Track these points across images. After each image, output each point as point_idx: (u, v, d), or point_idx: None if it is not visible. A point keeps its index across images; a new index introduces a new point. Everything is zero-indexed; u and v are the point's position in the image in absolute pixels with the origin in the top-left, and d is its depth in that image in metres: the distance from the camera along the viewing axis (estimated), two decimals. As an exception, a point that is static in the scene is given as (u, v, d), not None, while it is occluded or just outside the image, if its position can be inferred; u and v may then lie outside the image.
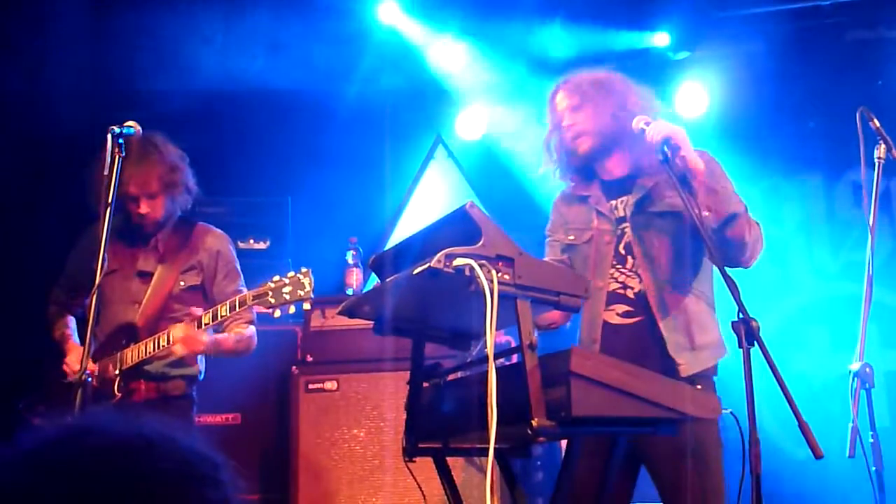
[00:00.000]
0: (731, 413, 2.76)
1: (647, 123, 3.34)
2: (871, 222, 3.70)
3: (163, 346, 4.05)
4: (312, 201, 6.44)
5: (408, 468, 2.95)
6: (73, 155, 4.44)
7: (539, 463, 5.21)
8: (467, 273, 2.41)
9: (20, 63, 5.88)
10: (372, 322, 2.99)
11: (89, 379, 3.45)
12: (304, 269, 3.95)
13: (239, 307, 3.98)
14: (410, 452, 2.96)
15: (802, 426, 2.71)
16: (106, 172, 3.55)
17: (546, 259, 3.75)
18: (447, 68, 6.74)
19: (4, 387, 4.55)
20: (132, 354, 4.12)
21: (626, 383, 2.52)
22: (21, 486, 1.01)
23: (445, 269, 2.41)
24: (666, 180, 3.43)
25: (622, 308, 3.51)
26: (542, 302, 2.59)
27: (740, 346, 2.81)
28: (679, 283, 3.45)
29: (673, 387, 2.66)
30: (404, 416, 3.02)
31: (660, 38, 6.65)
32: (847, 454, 3.47)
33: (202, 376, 4.37)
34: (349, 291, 5.58)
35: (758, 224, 3.43)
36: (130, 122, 3.67)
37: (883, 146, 3.76)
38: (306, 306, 3.98)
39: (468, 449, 3.05)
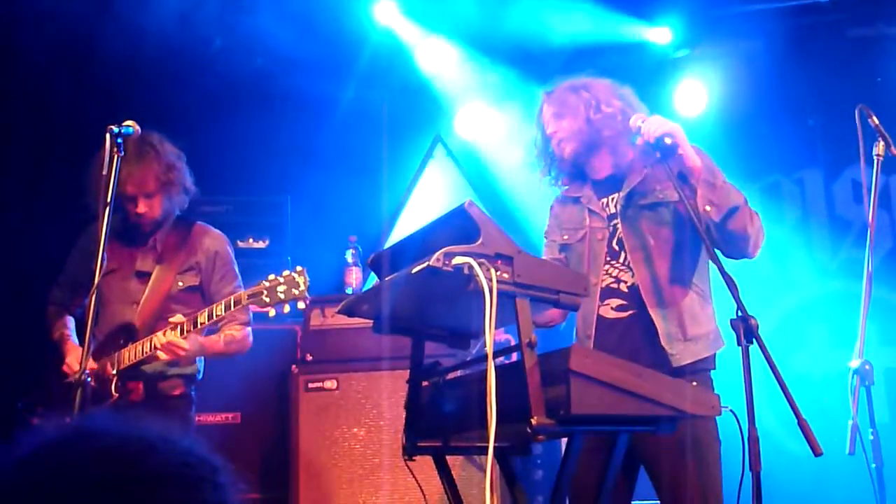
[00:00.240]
0: (731, 411, 2.76)
1: (644, 121, 3.37)
2: (870, 219, 3.70)
3: (146, 351, 4.06)
4: (311, 200, 6.44)
5: (408, 467, 2.95)
6: (72, 154, 4.44)
7: (539, 461, 5.21)
8: (466, 272, 2.41)
9: (19, 61, 5.88)
10: (371, 321, 2.99)
11: (89, 379, 3.44)
12: (298, 268, 3.95)
13: (234, 306, 3.98)
14: (410, 451, 2.96)
15: (802, 424, 2.72)
16: (104, 172, 3.54)
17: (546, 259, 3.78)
18: (444, 68, 6.74)
19: (4, 387, 4.55)
20: (130, 354, 4.11)
21: (625, 381, 2.52)
22: (21, 489, 1.01)
23: (444, 268, 2.41)
24: (653, 174, 3.53)
25: (616, 302, 3.57)
26: (541, 300, 2.59)
27: (739, 343, 2.82)
28: (671, 274, 3.50)
29: (672, 384, 2.66)
30: (404, 415, 3.02)
31: (659, 36, 6.65)
32: (847, 451, 3.48)
33: (200, 376, 4.37)
34: (349, 290, 5.58)
35: (757, 214, 3.46)
36: (129, 122, 3.66)
37: (882, 143, 3.76)
38: (301, 305, 3.97)
39: (468, 447, 3.06)
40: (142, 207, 4.20)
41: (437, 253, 2.41)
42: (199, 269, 4.35)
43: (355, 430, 4.97)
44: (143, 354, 4.08)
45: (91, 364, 3.96)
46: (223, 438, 5.30)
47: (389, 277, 2.75)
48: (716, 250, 3.18)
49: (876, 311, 3.93)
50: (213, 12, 6.34)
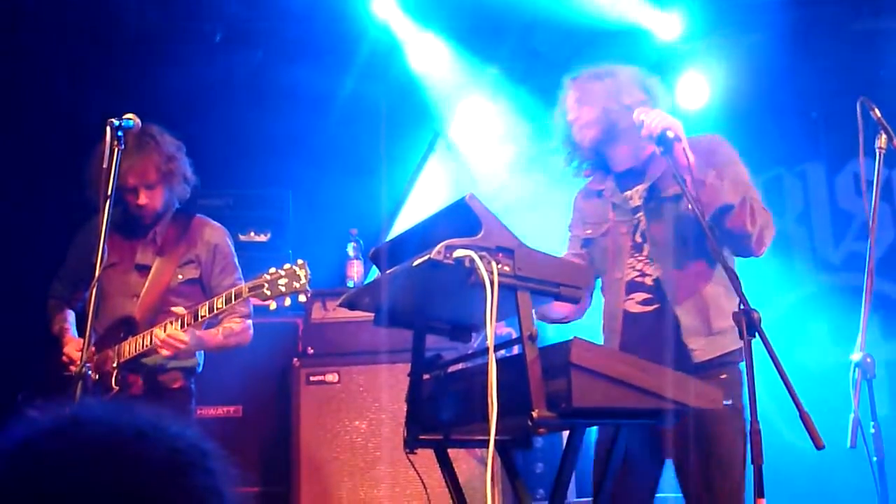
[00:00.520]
0: (732, 404, 2.76)
1: (646, 115, 3.35)
2: (871, 213, 3.69)
3: (146, 345, 4.06)
4: (313, 194, 6.44)
5: (409, 460, 2.95)
6: (73, 148, 4.44)
7: (540, 455, 5.21)
8: (467, 265, 2.41)
9: (19, 54, 5.87)
10: (372, 314, 2.99)
11: (89, 372, 3.44)
12: (300, 261, 3.94)
13: (235, 299, 3.98)
14: (411, 444, 2.96)
15: (804, 417, 2.71)
16: (105, 165, 3.54)
17: (566, 254, 3.78)
18: (443, 62, 6.73)
19: (4, 380, 4.55)
20: (130, 347, 4.12)
21: (626, 375, 2.52)
22: (11, 477, 1.01)
23: (445, 261, 2.41)
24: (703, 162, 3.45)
25: (641, 296, 3.53)
26: (542, 293, 2.59)
27: (741, 336, 2.81)
28: (695, 267, 3.44)
29: (674, 377, 2.66)
30: (405, 409, 3.02)
31: (667, 28, 6.59)
32: (848, 444, 3.47)
33: (200, 368, 4.37)
34: (350, 283, 5.57)
35: (766, 211, 3.40)
36: (129, 115, 3.66)
37: (884, 136, 3.74)
38: (302, 298, 3.97)
39: (469, 441, 3.06)
40: (143, 199, 4.20)
41: (438, 246, 2.41)
42: (198, 262, 4.35)
43: (357, 423, 4.97)
44: (143, 348, 4.08)
45: (91, 357, 3.96)
46: (224, 432, 5.29)
47: (390, 270, 2.75)
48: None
49: (878, 304, 3.93)
50: (214, 5, 6.34)
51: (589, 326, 3.69)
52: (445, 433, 3.00)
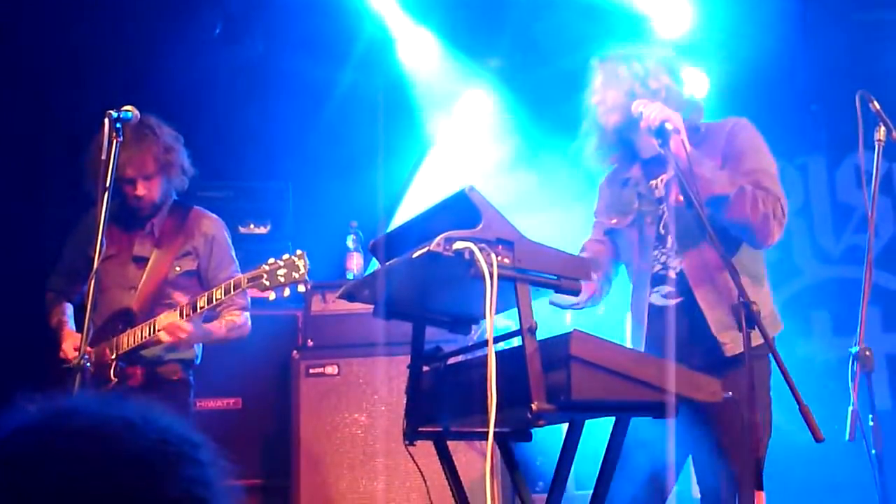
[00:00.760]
0: (732, 396, 2.76)
1: (645, 107, 3.33)
2: (870, 205, 3.68)
3: (146, 336, 4.05)
4: (313, 186, 6.43)
5: (408, 452, 2.95)
6: (72, 140, 4.43)
7: (540, 447, 5.21)
8: (467, 257, 2.41)
9: (18, 47, 5.86)
10: (372, 306, 2.98)
11: (87, 364, 3.44)
12: (298, 252, 3.94)
13: (234, 290, 3.98)
14: (411, 436, 2.96)
15: (803, 410, 2.72)
16: (104, 157, 3.54)
17: (589, 239, 3.76)
18: (441, 55, 6.72)
19: (2, 374, 4.55)
20: (128, 339, 4.12)
21: (626, 367, 2.52)
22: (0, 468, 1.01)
23: (445, 253, 2.41)
24: (701, 153, 3.40)
25: (665, 289, 3.49)
26: (542, 285, 2.59)
27: (740, 329, 2.81)
28: (719, 258, 3.39)
29: (674, 370, 2.65)
30: (405, 401, 3.02)
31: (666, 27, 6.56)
32: (847, 437, 3.47)
33: (199, 360, 4.37)
34: (350, 276, 5.57)
35: (776, 199, 3.36)
36: (128, 107, 3.66)
37: (883, 128, 3.73)
38: (301, 288, 3.96)
39: (468, 433, 3.06)
40: (141, 190, 4.20)
41: (438, 238, 2.41)
42: (196, 254, 4.35)
43: (356, 415, 4.97)
44: (143, 339, 4.08)
45: (89, 349, 3.96)
46: (224, 424, 5.30)
47: (390, 262, 2.75)
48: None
49: (877, 297, 3.93)
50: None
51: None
52: (445, 425, 3.00)
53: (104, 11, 5.96)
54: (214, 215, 4.52)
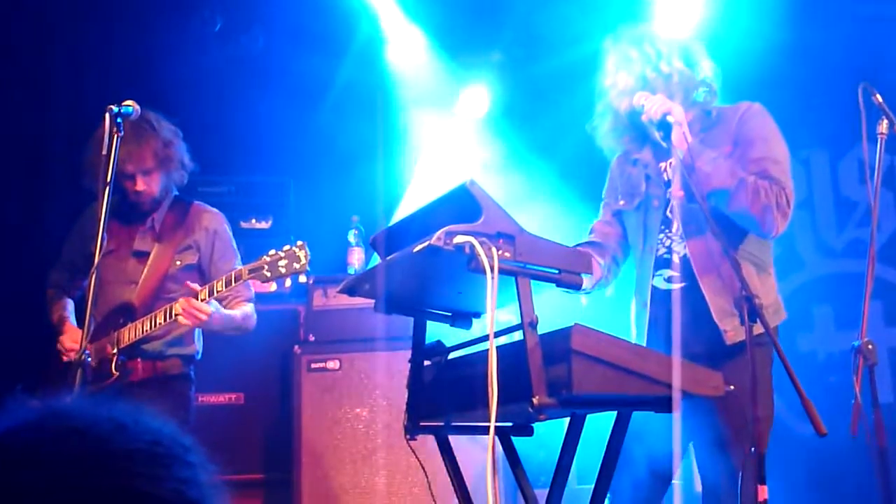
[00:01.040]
0: (733, 390, 2.75)
1: (647, 99, 3.32)
2: (873, 199, 3.67)
3: (160, 323, 4.04)
4: (314, 181, 6.42)
5: (410, 447, 2.95)
6: (73, 135, 4.43)
7: (541, 442, 5.20)
8: (467, 251, 2.40)
9: (18, 40, 5.86)
10: (373, 301, 2.98)
11: (88, 359, 3.44)
12: (299, 242, 3.93)
13: (235, 282, 3.97)
14: (412, 431, 2.96)
15: (806, 403, 2.71)
16: (104, 152, 3.53)
17: (597, 221, 3.75)
18: (443, 50, 6.71)
19: (4, 369, 4.56)
20: (129, 333, 4.11)
21: (627, 361, 2.51)
22: None
23: (445, 247, 2.40)
24: (709, 138, 3.40)
25: (668, 273, 3.50)
26: (542, 279, 2.58)
27: (742, 323, 2.80)
28: (725, 245, 3.38)
29: (676, 364, 2.65)
30: (406, 395, 3.02)
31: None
32: (850, 431, 3.46)
33: (199, 356, 4.37)
34: (351, 270, 5.57)
35: (781, 190, 3.37)
36: (129, 102, 3.65)
37: (885, 121, 3.71)
38: (302, 279, 3.96)
39: (470, 427, 3.05)
40: (140, 185, 4.20)
41: (439, 232, 2.40)
42: (197, 248, 4.34)
43: (358, 410, 4.97)
44: (142, 334, 4.07)
45: (89, 344, 3.96)
46: (226, 419, 5.31)
47: (391, 257, 2.74)
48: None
49: (880, 291, 3.92)
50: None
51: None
52: (446, 420, 2.99)
53: (104, 6, 5.95)
54: (215, 209, 4.51)
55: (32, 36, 5.87)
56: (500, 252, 2.45)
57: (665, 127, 3.25)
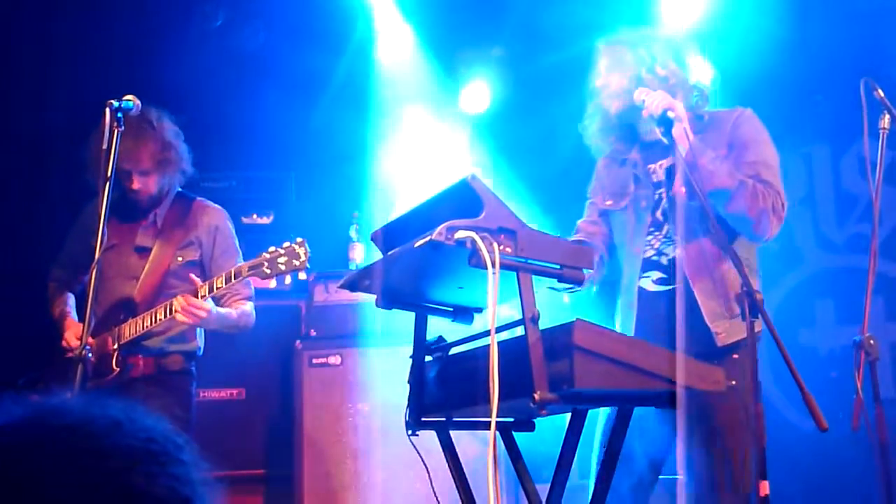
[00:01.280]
0: (735, 385, 2.75)
1: (647, 95, 3.32)
2: (874, 194, 3.66)
3: (160, 319, 4.04)
4: (316, 176, 6.42)
5: (411, 442, 2.95)
6: (73, 129, 4.43)
7: (543, 437, 5.20)
8: (469, 246, 2.40)
9: (17, 34, 5.85)
10: (374, 296, 2.98)
11: (89, 354, 3.44)
12: (298, 239, 3.93)
13: (235, 278, 3.96)
14: (413, 427, 2.96)
15: (807, 398, 2.71)
16: (104, 147, 3.53)
17: (582, 220, 3.75)
18: (442, 46, 6.70)
19: (5, 364, 4.56)
20: (130, 329, 4.11)
21: (629, 356, 2.51)
22: None
23: (447, 242, 2.39)
24: (704, 140, 3.40)
25: (657, 275, 3.50)
26: (544, 274, 2.58)
27: (744, 318, 2.80)
28: (716, 248, 3.39)
29: (677, 360, 2.65)
30: (407, 391, 3.02)
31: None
32: (851, 426, 3.46)
33: (201, 352, 4.36)
34: (352, 266, 5.57)
35: (775, 194, 3.37)
36: (129, 96, 3.64)
37: (887, 116, 3.71)
38: (302, 276, 3.96)
39: (472, 422, 3.05)
40: (136, 184, 4.20)
41: (440, 227, 2.40)
42: (198, 244, 4.34)
43: (359, 405, 4.97)
44: (143, 329, 4.07)
45: (91, 339, 3.96)
46: (227, 414, 5.32)
47: (392, 252, 2.74)
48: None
49: (881, 286, 3.91)
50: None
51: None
52: (447, 415, 2.99)
53: (105, 1, 5.95)
54: (218, 206, 4.51)
55: (32, 31, 5.86)
56: (501, 247, 2.44)
57: (666, 123, 3.25)
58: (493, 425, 2.36)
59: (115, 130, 3.56)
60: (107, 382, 4.05)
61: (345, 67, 6.62)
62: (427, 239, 2.41)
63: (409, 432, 2.96)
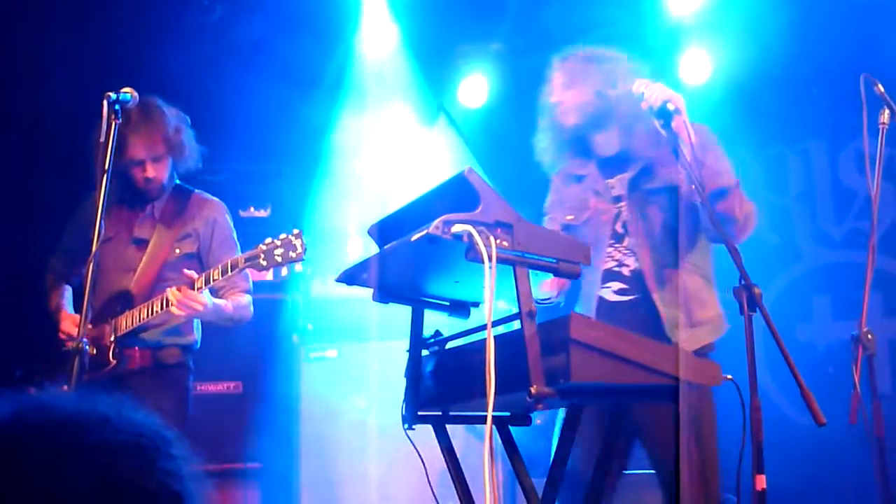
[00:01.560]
0: (733, 380, 2.75)
1: (647, 87, 3.33)
2: (873, 189, 3.66)
3: (157, 311, 4.03)
4: (313, 169, 6.41)
5: (407, 436, 2.95)
6: (71, 122, 4.42)
7: (539, 431, 5.21)
8: (465, 240, 2.39)
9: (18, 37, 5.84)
10: (371, 290, 2.97)
11: (87, 346, 3.43)
12: (295, 231, 3.93)
13: (231, 270, 3.96)
14: (410, 421, 2.96)
15: (805, 393, 2.71)
16: (102, 139, 3.52)
17: None
18: (441, 41, 6.70)
19: (2, 355, 4.55)
20: (127, 321, 4.11)
21: (625, 350, 2.50)
22: None
23: (443, 236, 2.39)
24: (660, 157, 3.48)
25: (617, 286, 3.55)
26: (541, 268, 2.57)
27: (742, 313, 2.80)
28: (676, 259, 3.46)
29: (673, 354, 2.64)
30: (404, 384, 3.01)
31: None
32: (849, 421, 3.46)
33: (198, 345, 4.36)
34: (349, 260, 5.56)
35: (751, 202, 3.43)
36: (127, 89, 3.64)
37: (887, 112, 3.71)
38: (298, 268, 3.96)
39: (468, 417, 3.05)
40: (150, 171, 4.19)
41: (436, 220, 2.39)
42: (196, 237, 4.34)
43: (356, 398, 4.97)
44: (140, 321, 4.07)
45: (88, 330, 3.95)
46: (224, 407, 5.32)
47: (389, 246, 2.73)
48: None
49: (879, 281, 3.91)
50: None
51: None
52: (444, 409, 2.99)
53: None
54: (216, 199, 4.50)
55: (30, 23, 5.84)
56: (498, 241, 2.43)
57: (665, 115, 3.24)
58: (489, 419, 2.36)
59: (114, 123, 3.56)
60: (103, 375, 4.04)
61: (341, 61, 6.61)
62: (424, 233, 2.40)
63: (406, 426, 2.96)
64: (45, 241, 4.60)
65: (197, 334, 4.34)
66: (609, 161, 3.66)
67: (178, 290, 3.96)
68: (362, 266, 2.91)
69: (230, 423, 5.29)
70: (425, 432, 3.01)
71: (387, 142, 6.70)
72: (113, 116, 3.56)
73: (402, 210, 2.89)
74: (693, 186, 3.11)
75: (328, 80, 6.61)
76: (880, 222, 3.72)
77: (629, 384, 2.57)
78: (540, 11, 6.36)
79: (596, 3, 6.04)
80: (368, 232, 3.01)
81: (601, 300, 3.55)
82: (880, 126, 3.70)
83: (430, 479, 3.08)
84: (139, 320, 4.08)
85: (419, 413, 2.96)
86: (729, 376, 2.71)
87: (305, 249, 3.89)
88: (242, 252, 4.31)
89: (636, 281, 3.49)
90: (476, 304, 3.04)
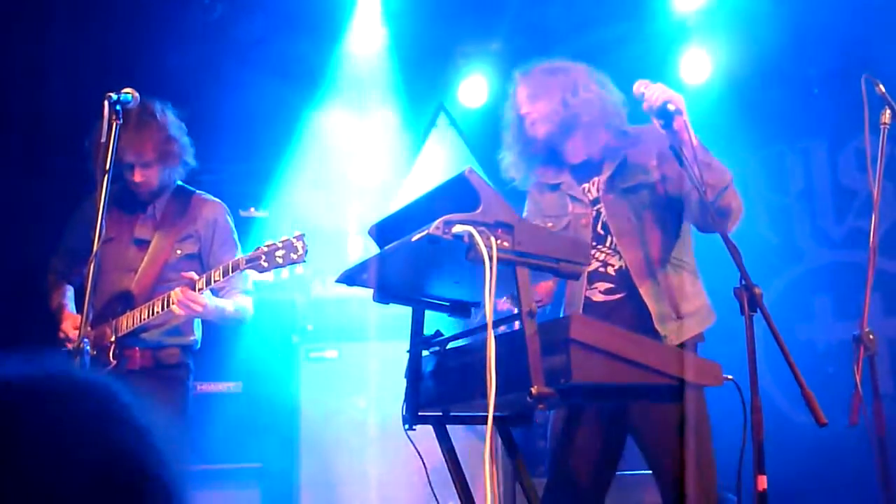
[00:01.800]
0: (733, 380, 2.74)
1: (647, 87, 3.33)
2: (874, 189, 3.66)
3: (157, 312, 4.03)
4: (314, 170, 6.41)
5: (408, 436, 2.95)
6: (71, 122, 4.41)
7: (540, 431, 5.21)
8: (466, 240, 2.39)
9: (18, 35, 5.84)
10: (371, 290, 2.97)
11: (87, 346, 3.43)
12: (297, 233, 3.93)
13: (232, 271, 3.96)
14: (410, 421, 2.96)
15: (805, 393, 2.70)
16: (103, 139, 3.52)
17: None
18: (440, 40, 6.69)
19: (2, 355, 4.54)
20: (127, 321, 4.11)
21: (626, 350, 2.50)
22: None
23: (444, 236, 2.39)
24: (632, 156, 3.56)
25: (604, 286, 3.58)
26: (541, 269, 2.57)
27: (742, 312, 2.80)
28: (659, 254, 3.51)
29: (673, 354, 2.64)
30: (404, 385, 3.01)
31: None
32: (850, 422, 3.46)
33: (198, 345, 4.36)
34: (349, 260, 5.56)
35: (740, 195, 3.47)
36: (128, 89, 3.64)
37: (888, 111, 3.71)
38: (299, 270, 3.95)
39: (469, 417, 3.05)
40: (138, 176, 4.19)
41: (437, 221, 2.39)
42: (197, 238, 4.34)
43: (356, 398, 4.97)
44: (140, 321, 4.07)
45: (88, 331, 3.95)
46: (224, 407, 5.31)
47: (389, 246, 2.73)
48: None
49: (880, 281, 3.91)
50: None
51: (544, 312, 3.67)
52: (444, 409, 2.99)
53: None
54: (217, 200, 4.50)
55: (30, 23, 5.84)
56: (498, 241, 2.43)
57: (665, 115, 3.25)
58: (490, 419, 2.35)
59: (114, 123, 3.56)
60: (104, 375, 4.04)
61: (341, 61, 6.61)
62: (424, 233, 2.40)
63: (406, 426, 2.96)
64: (45, 241, 4.60)
65: (197, 334, 4.34)
66: (581, 167, 3.72)
67: (180, 290, 3.96)
68: (362, 266, 2.91)
69: (230, 423, 5.28)
70: (425, 432, 3.01)
71: (387, 142, 6.70)
72: (114, 117, 3.56)
73: (403, 210, 2.89)
74: (696, 181, 3.11)
75: (328, 80, 6.61)
76: (881, 222, 3.71)
77: (629, 384, 2.57)
78: (540, 11, 6.36)
79: (596, 3, 6.04)
80: (368, 232, 3.01)
81: (588, 301, 3.58)
82: (881, 126, 3.70)
83: (430, 479, 3.08)
84: (139, 321, 4.08)
85: (419, 413, 2.96)
86: (730, 376, 2.70)
87: (307, 251, 3.89)
88: (243, 252, 4.31)
89: (622, 278, 3.53)
90: (476, 305, 3.03)
